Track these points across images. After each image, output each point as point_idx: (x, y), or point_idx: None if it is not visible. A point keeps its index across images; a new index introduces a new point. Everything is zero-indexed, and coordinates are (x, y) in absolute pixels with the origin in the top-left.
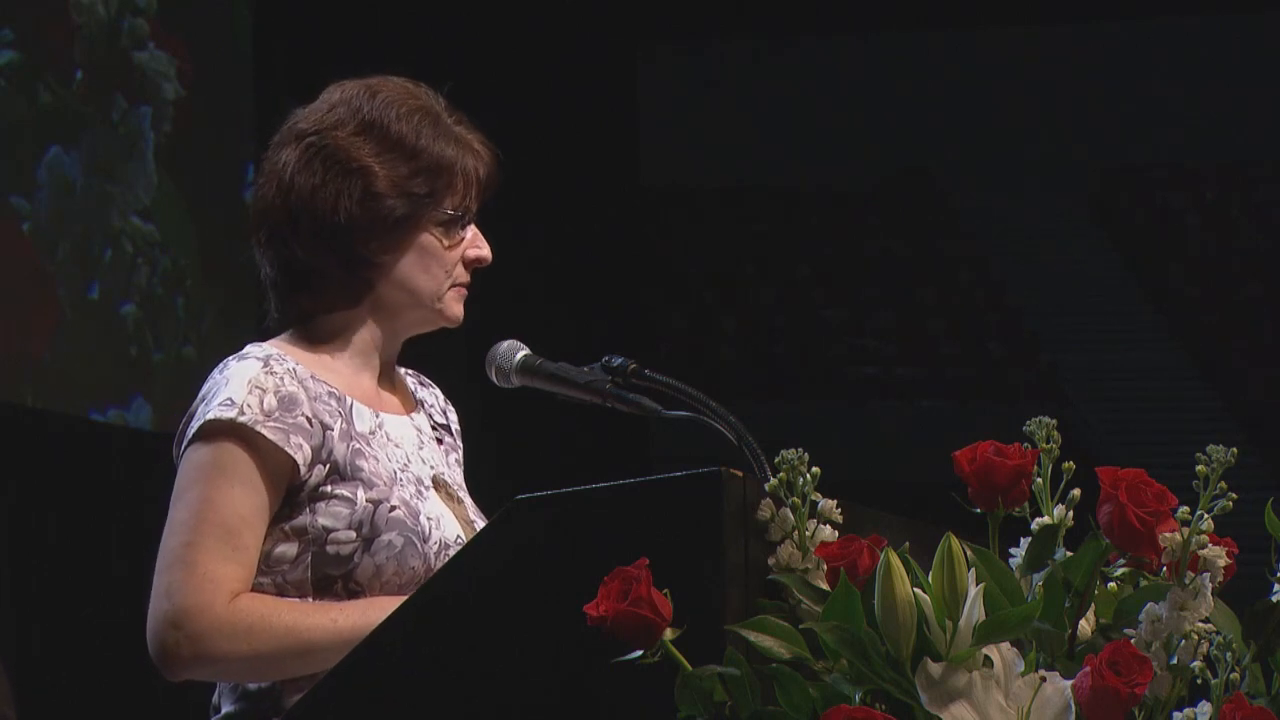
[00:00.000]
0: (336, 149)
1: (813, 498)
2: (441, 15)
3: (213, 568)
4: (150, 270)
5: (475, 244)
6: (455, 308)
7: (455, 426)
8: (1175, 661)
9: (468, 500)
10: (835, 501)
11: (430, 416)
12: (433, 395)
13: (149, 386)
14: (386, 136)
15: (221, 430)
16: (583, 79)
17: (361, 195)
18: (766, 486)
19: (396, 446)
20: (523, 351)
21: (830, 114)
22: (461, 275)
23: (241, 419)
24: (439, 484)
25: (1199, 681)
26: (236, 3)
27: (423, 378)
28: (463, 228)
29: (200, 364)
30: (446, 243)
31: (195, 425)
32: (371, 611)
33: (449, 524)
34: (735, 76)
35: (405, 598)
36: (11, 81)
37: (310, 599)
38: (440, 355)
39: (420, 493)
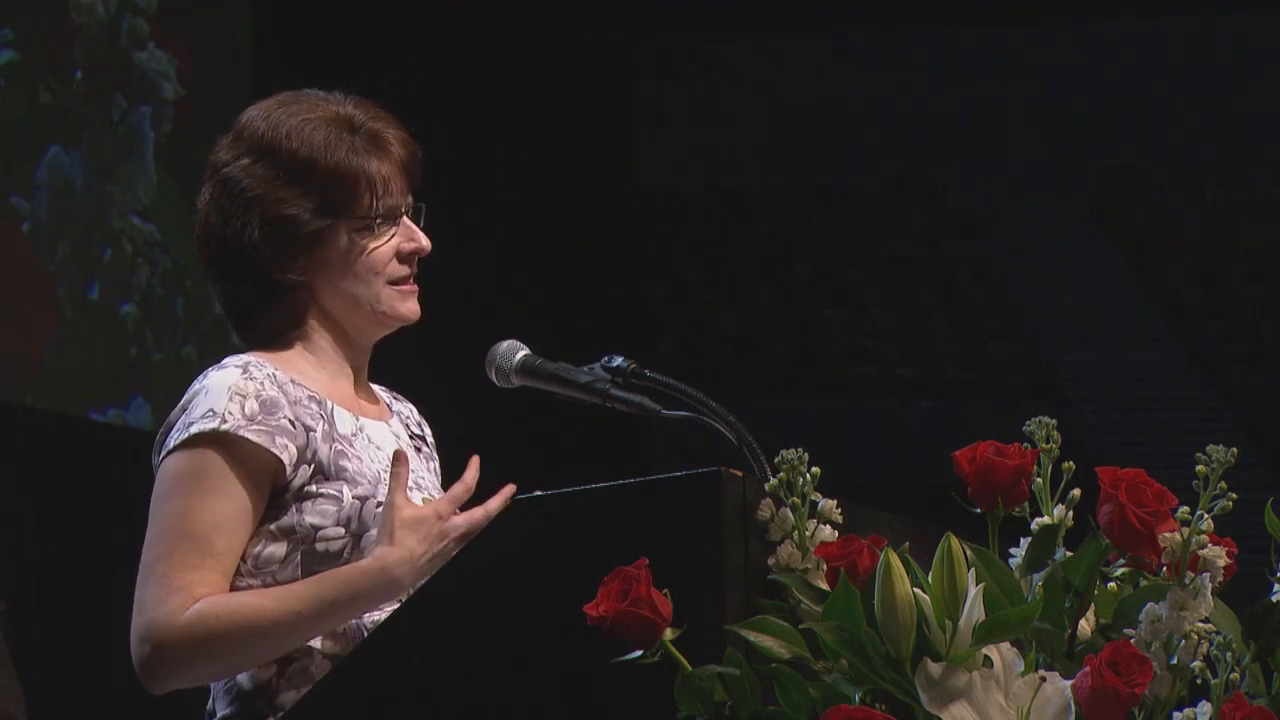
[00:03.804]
0: (235, 180)
1: (813, 498)
2: (441, 16)
3: (180, 576)
4: (150, 270)
5: (408, 237)
6: (401, 305)
7: (430, 440)
8: (1175, 661)
9: None
10: (835, 501)
11: (406, 426)
12: (407, 409)
13: (149, 386)
14: (280, 159)
15: (203, 440)
16: (583, 79)
17: (262, 223)
18: (766, 486)
19: (378, 449)
20: (522, 351)
21: (830, 114)
22: (396, 271)
23: (224, 427)
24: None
25: (1199, 681)
26: (236, 3)
27: (396, 394)
28: (389, 226)
29: (200, 364)
30: (371, 245)
31: (176, 437)
32: (323, 587)
33: None
34: (735, 77)
35: (354, 565)
36: (11, 81)
37: None
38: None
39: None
